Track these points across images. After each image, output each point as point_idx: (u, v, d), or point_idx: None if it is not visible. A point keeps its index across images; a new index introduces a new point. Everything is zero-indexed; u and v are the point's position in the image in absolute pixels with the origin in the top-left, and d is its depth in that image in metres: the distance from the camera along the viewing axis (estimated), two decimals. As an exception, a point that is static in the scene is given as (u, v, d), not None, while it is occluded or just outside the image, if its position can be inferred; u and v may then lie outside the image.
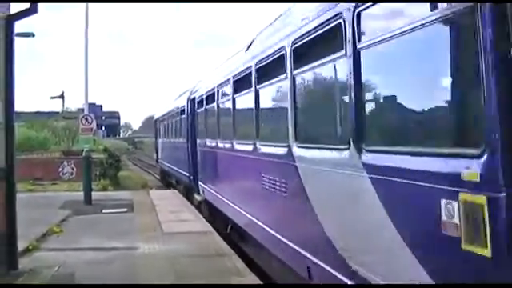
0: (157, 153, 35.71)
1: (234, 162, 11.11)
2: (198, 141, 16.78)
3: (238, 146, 10.59)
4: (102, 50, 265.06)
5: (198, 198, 17.14)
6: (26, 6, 9.11)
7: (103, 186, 25.65)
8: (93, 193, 18.90)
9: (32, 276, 8.82)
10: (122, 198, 19.83)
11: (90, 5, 20.16)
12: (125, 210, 16.71)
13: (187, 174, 19.01)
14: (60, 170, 30.25)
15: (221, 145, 12.49)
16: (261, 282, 8.54)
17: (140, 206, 17.65)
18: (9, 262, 8.94)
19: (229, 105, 11.51)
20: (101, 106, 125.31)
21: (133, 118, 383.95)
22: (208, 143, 14.55)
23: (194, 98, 17.95)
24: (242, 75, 10.23)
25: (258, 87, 9.10)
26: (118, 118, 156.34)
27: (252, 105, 9.38)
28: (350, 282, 5.36)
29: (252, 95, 9.41)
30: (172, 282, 8.41)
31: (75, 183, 25.36)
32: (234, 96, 11.01)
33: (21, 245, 9.61)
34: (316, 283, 6.42)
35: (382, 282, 4.76)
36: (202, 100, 15.98)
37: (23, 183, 21.93)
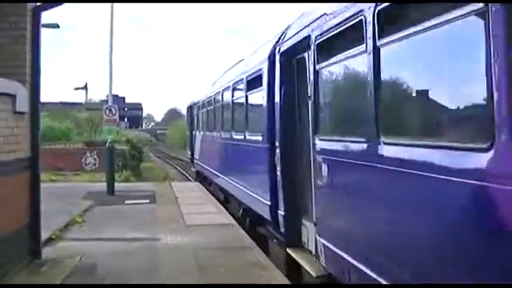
0: (192, 151, 26.55)
1: None
2: (322, 142, 7.18)
3: None
4: (124, 43, 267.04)
5: (303, 263, 8.12)
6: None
7: (125, 177, 25.85)
8: (115, 184, 18.97)
9: (54, 265, 8.86)
10: (145, 190, 19.85)
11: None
12: (147, 201, 16.72)
13: (266, 202, 10.04)
14: (83, 160, 30.59)
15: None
16: (285, 278, 8.45)
17: (162, 197, 17.66)
18: (32, 251, 8.99)
19: None
20: (123, 98, 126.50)
21: (155, 109, 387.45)
22: (389, 151, 5.07)
23: (302, 41, 7.92)
24: None
25: None
26: (141, 109, 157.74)
27: None
28: None
29: None
30: (195, 274, 8.38)
31: (97, 174, 25.58)
32: None
33: (44, 234, 9.64)
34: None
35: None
36: (347, 29, 6.11)
37: (46, 173, 22.10)
